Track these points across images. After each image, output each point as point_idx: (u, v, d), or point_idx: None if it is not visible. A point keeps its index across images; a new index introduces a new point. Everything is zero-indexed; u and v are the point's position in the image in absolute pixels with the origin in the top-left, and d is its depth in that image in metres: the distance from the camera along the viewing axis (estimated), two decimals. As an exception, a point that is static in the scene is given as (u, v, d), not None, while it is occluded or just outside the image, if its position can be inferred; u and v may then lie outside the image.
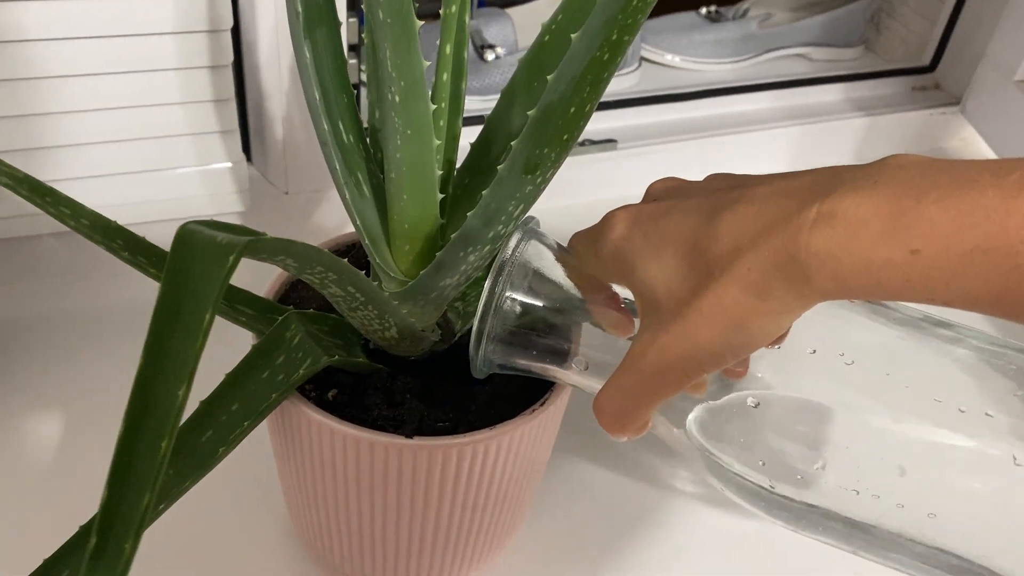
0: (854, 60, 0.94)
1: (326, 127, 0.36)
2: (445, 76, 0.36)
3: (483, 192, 0.34)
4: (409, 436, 0.36)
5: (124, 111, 0.56)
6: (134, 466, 0.22)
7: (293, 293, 0.44)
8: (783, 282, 0.26)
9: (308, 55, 0.35)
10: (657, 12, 0.81)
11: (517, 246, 0.36)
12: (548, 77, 0.31)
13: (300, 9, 0.35)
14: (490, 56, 0.79)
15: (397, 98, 0.34)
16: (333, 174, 0.38)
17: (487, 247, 0.35)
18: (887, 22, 0.94)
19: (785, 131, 0.84)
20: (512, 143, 0.39)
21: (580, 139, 0.79)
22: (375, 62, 0.39)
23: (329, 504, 0.41)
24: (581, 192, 0.80)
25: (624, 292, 0.36)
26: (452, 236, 0.35)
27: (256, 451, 0.42)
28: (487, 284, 0.35)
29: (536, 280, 0.36)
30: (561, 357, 0.37)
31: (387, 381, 0.40)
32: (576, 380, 0.37)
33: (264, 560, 0.48)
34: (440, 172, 0.37)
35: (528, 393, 0.40)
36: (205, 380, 0.37)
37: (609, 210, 0.33)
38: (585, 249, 0.35)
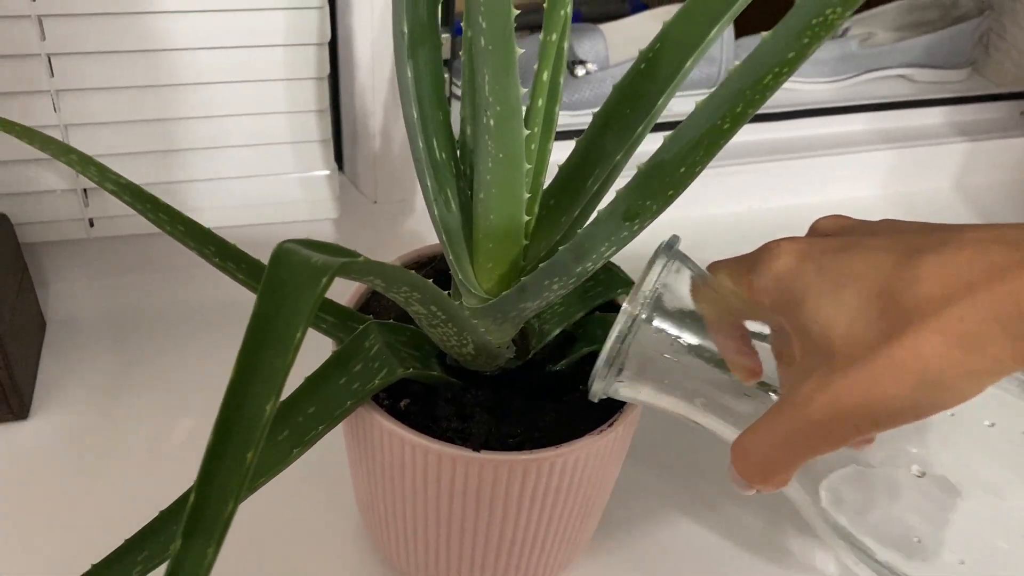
0: (960, 82, 0.91)
1: (421, 145, 0.37)
2: (540, 102, 0.37)
3: (579, 230, 0.34)
4: (476, 450, 0.37)
5: (236, 118, 0.59)
6: (220, 474, 0.23)
7: (373, 302, 0.46)
8: (1001, 337, 0.23)
9: (410, 74, 0.36)
10: (753, 29, 0.80)
11: (663, 270, 0.34)
12: (652, 106, 0.31)
13: (406, 30, 0.36)
14: (580, 72, 0.79)
15: (492, 122, 0.34)
16: (424, 190, 0.39)
17: (572, 280, 0.35)
18: (997, 43, 0.91)
19: (881, 154, 0.82)
20: (600, 171, 0.40)
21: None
22: (471, 83, 0.40)
23: (397, 510, 0.42)
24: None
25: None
26: (540, 264, 0.35)
27: (332, 453, 0.44)
28: (625, 306, 0.34)
29: (675, 308, 0.35)
30: (685, 393, 0.36)
31: (459, 394, 0.40)
32: (698, 418, 0.36)
33: (334, 558, 0.49)
34: (528, 195, 0.37)
35: (598, 413, 0.40)
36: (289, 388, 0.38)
37: (769, 241, 0.31)
38: (736, 279, 0.33)
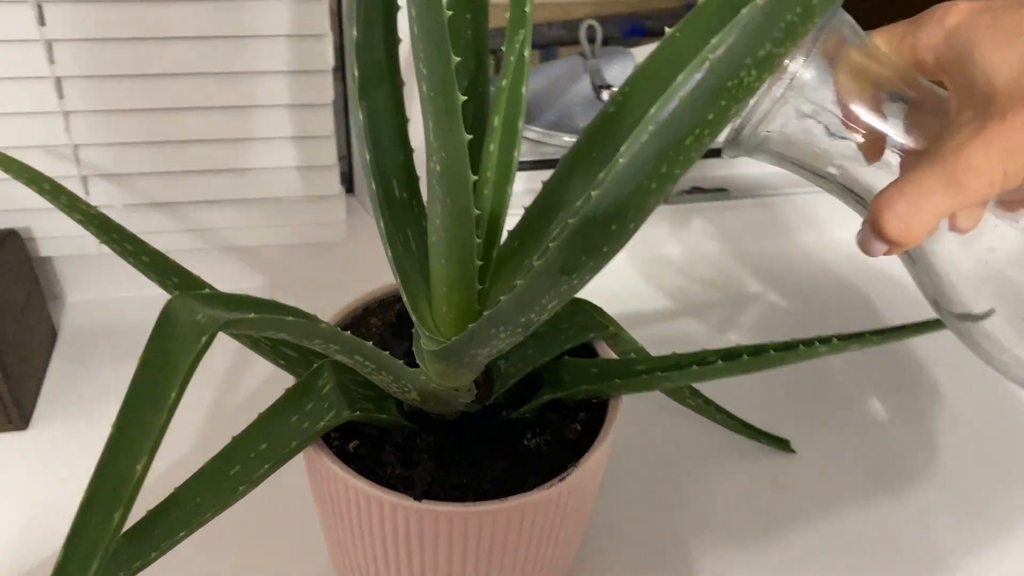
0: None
1: (373, 187, 0.37)
2: (492, 147, 0.36)
3: (518, 281, 0.33)
4: (418, 498, 0.36)
5: (245, 142, 0.60)
6: (86, 533, 0.23)
7: (351, 331, 0.45)
8: None
9: (361, 117, 0.36)
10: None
11: (829, 21, 0.33)
12: (620, 152, 0.30)
13: (356, 73, 0.35)
14: (607, 96, 0.78)
15: (438, 167, 0.34)
16: (379, 229, 0.38)
17: (519, 328, 0.34)
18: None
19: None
20: (563, 215, 0.39)
21: (688, 187, 0.77)
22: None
23: (350, 549, 0.41)
24: (690, 242, 0.78)
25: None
26: (485, 313, 0.34)
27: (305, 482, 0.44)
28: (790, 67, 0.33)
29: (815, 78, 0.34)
30: (817, 159, 0.35)
31: (408, 439, 0.40)
32: (827, 186, 0.36)
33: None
34: (479, 240, 0.36)
35: (554, 462, 0.39)
36: (247, 413, 0.38)
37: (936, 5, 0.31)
38: (898, 40, 0.32)
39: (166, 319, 0.25)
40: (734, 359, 0.39)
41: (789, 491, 0.56)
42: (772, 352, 0.39)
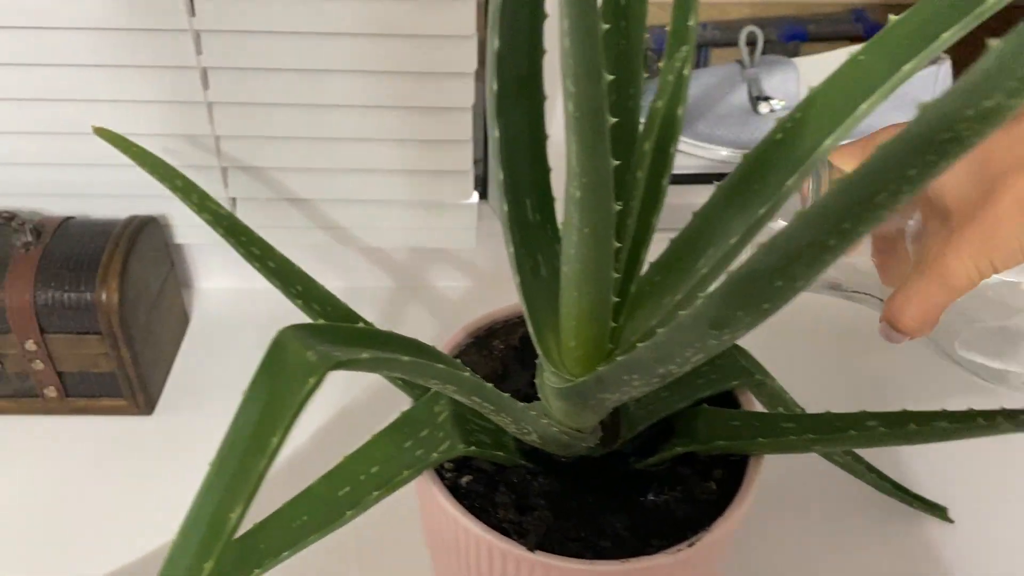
0: None
1: (505, 208, 0.34)
2: (640, 174, 0.32)
3: (660, 329, 0.29)
4: (531, 549, 0.33)
5: (380, 143, 0.58)
6: (174, 581, 0.22)
7: (464, 356, 0.43)
8: None
9: (496, 134, 0.33)
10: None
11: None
12: (784, 190, 0.26)
13: (495, 86, 0.32)
14: (764, 109, 0.72)
15: (578, 193, 0.31)
16: (508, 253, 0.36)
17: (655, 379, 0.31)
18: None
19: None
20: (713, 251, 0.35)
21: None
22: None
23: (456, 585, 0.39)
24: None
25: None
26: (618, 357, 0.31)
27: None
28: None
29: None
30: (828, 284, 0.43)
31: (524, 480, 0.37)
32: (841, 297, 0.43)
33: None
34: (618, 275, 0.33)
35: (682, 523, 0.35)
36: (361, 430, 0.37)
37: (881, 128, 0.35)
38: (860, 158, 0.35)
39: (276, 353, 0.23)
40: (898, 427, 0.34)
41: (944, 566, 0.50)
42: (944, 423, 0.34)
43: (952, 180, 0.33)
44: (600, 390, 0.33)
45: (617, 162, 0.31)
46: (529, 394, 0.42)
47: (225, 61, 0.54)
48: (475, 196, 0.62)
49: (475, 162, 0.62)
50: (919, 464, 0.56)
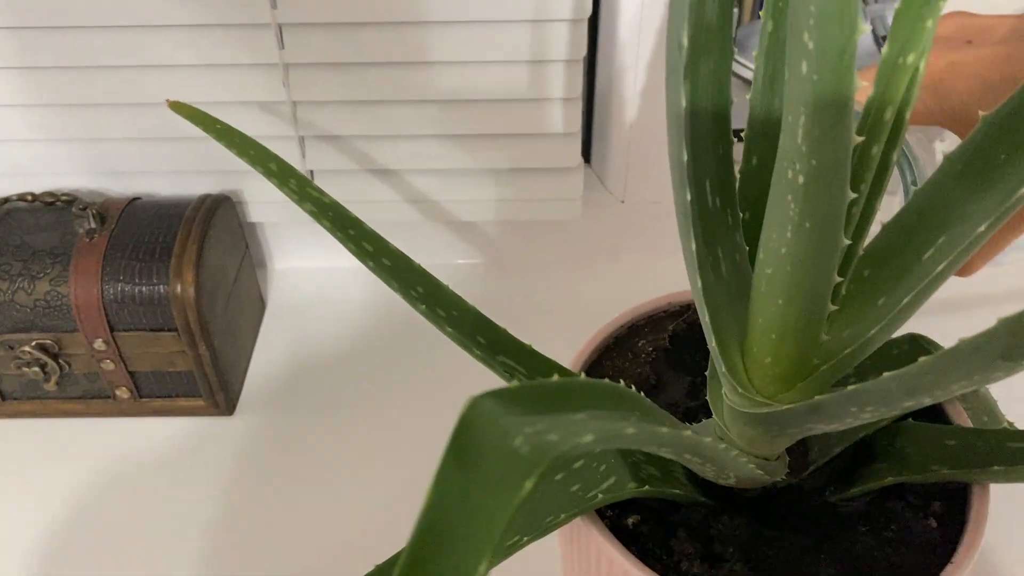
0: None
1: (688, 196, 0.27)
2: (875, 148, 0.25)
3: (921, 359, 0.22)
4: (726, 613, 0.27)
5: (473, 104, 0.51)
6: None
7: (607, 360, 0.37)
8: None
9: (684, 101, 0.26)
10: None
11: None
12: None
13: (686, 41, 0.25)
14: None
15: (800, 179, 0.24)
16: (686, 251, 0.29)
17: (895, 412, 0.24)
18: None
19: None
20: (947, 240, 0.28)
21: None
22: (767, 109, 0.30)
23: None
24: None
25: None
26: (851, 387, 0.24)
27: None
28: None
29: None
30: None
31: (705, 521, 0.31)
32: None
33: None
34: (839, 279, 0.26)
35: (900, 573, 0.29)
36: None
37: None
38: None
39: (465, 439, 0.16)
40: None
41: None
42: None
43: (971, 90, 0.33)
44: (812, 420, 0.27)
45: (860, 138, 0.24)
46: (690, 408, 0.36)
47: (301, 16, 0.47)
48: (580, 160, 0.55)
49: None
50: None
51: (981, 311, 0.60)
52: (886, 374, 0.23)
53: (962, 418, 0.34)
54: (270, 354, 0.55)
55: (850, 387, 0.24)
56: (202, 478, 0.48)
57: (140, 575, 0.43)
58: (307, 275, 0.61)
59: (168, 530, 0.45)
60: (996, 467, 0.30)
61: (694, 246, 0.28)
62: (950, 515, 0.31)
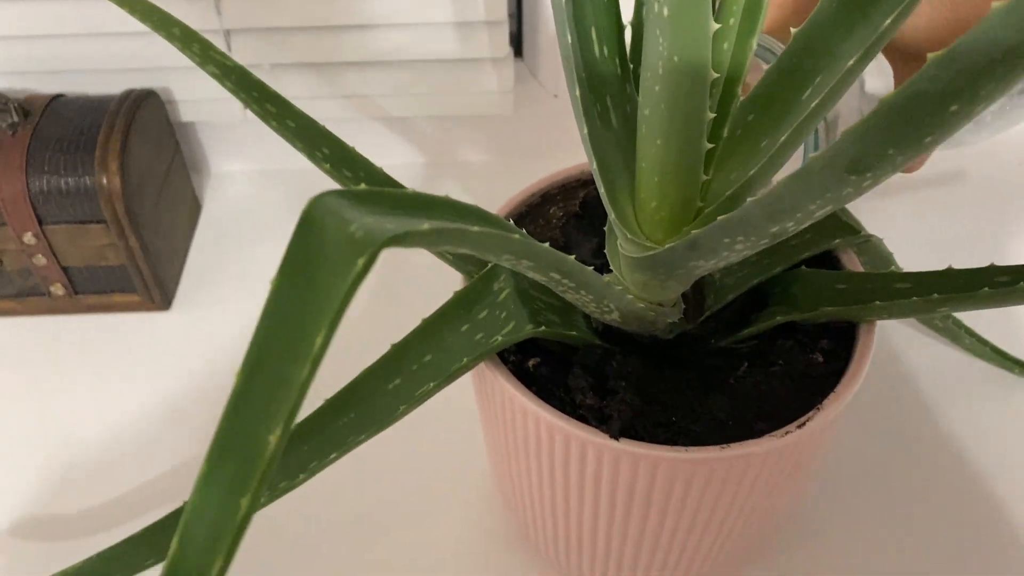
0: None
1: (569, 39, 0.28)
2: (741, -20, 0.26)
3: (779, 180, 0.24)
4: (615, 436, 0.29)
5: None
6: (204, 519, 0.17)
7: (526, 222, 0.38)
8: None
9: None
10: None
11: None
12: (929, 55, 0.20)
13: None
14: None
15: (665, 11, 0.24)
16: (572, 99, 0.29)
17: (764, 240, 0.25)
18: None
19: None
20: (823, 78, 0.29)
21: None
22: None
23: (521, 477, 0.35)
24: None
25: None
26: (720, 217, 0.25)
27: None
28: None
29: None
30: None
31: (602, 361, 0.32)
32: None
33: (464, 517, 0.43)
34: (714, 115, 0.27)
35: (786, 404, 0.31)
36: (407, 320, 0.32)
37: None
38: None
39: (308, 230, 0.17)
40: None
41: (1048, 432, 0.46)
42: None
43: (924, 24, 0.32)
44: (692, 257, 0.28)
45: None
46: (596, 266, 0.37)
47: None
48: (509, 50, 0.55)
49: (508, 16, 0.54)
50: (1017, 328, 0.51)
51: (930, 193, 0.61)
52: (749, 199, 0.24)
53: (855, 266, 0.35)
54: (207, 255, 0.56)
55: (721, 217, 0.25)
56: (140, 373, 0.48)
57: (79, 473, 0.44)
58: (245, 178, 0.61)
59: (107, 424, 0.46)
60: (878, 302, 0.31)
61: (578, 91, 0.29)
62: (837, 352, 0.33)
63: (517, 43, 0.60)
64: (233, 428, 0.17)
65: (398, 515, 0.43)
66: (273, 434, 0.17)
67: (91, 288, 0.50)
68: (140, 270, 0.49)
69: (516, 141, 0.60)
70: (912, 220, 0.58)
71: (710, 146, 0.28)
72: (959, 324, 0.45)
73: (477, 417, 0.38)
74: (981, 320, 0.49)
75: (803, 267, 0.34)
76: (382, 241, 0.17)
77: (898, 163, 0.22)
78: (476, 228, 0.19)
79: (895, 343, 0.50)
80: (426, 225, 0.18)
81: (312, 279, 0.17)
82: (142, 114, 0.49)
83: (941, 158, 0.62)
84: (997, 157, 0.64)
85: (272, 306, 0.17)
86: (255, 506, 0.17)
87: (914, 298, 0.31)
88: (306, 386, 0.17)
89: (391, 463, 0.45)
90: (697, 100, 0.26)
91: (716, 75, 0.26)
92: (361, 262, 0.16)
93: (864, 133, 0.21)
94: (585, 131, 0.29)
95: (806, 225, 0.25)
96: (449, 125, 0.60)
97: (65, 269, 0.49)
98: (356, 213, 0.18)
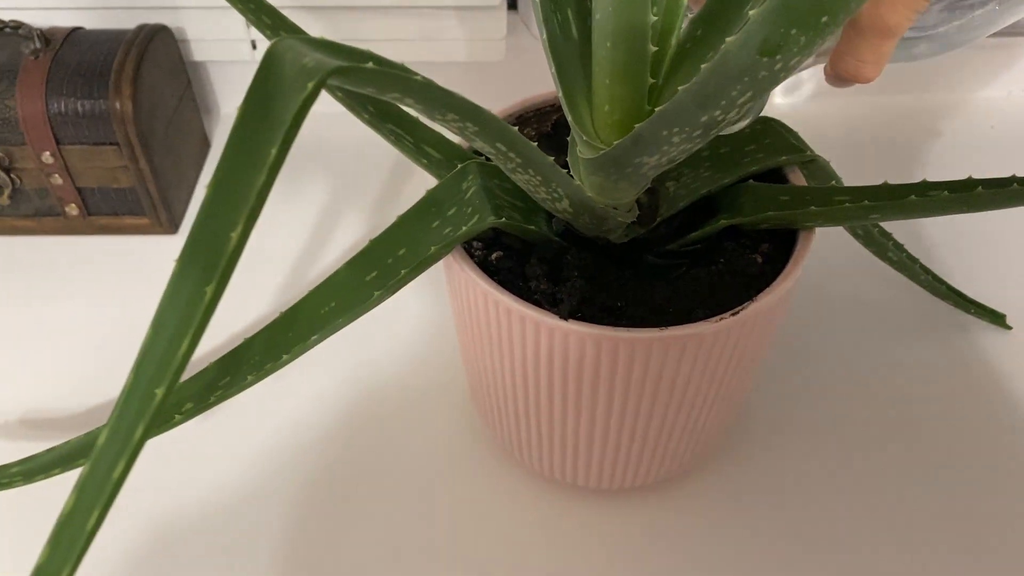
0: None
1: (530, -50, 0.31)
2: None
3: (703, 65, 0.26)
4: (564, 317, 0.32)
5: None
6: (174, 307, 0.20)
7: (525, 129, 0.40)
8: None
9: None
10: None
11: None
12: None
13: None
14: None
15: (609, -82, 0.27)
16: (533, 5, 0.32)
17: (697, 131, 0.28)
18: None
19: None
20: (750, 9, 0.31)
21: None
22: None
23: (491, 369, 0.38)
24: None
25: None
26: (657, 109, 0.28)
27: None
28: None
29: None
30: None
31: (557, 254, 0.35)
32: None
33: (443, 423, 0.47)
34: (655, 18, 0.30)
35: (729, 294, 0.33)
36: (387, 219, 0.35)
37: None
38: None
39: (269, 64, 0.20)
40: (966, 191, 0.31)
41: (1001, 374, 0.48)
42: (1017, 186, 0.31)
43: None
44: (637, 152, 0.31)
45: None
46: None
47: None
48: (502, 1, 0.58)
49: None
50: (977, 271, 0.53)
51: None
52: (680, 88, 0.27)
53: (802, 183, 0.38)
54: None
55: (657, 109, 0.28)
56: (145, 292, 0.52)
57: (91, 385, 0.48)
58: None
59: (114, 341, 0.50)
60: (815, 208, 0.34)
61: (537, 1, 0.32)
62: (777, 257, 0.35)
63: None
64: (202, 231, 0.20)
65: (380, 430, 0.46)
66: (235, 231, 0.20)
67: (103, 210, 0.54)
68: (149, 192, 0.52)
69: (507, 90, 0.63)
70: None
71: (655, 49, 0.30)
72: (913, 259, 0.47)
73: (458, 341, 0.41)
74: (939, 263, 0.51)
75: (751, 181, 0.37)
76: (330, 69, 0.20)
77: (803, 44, 0.25)
78: (419, 78, 0.22)
79: (858, 283, 0.53)
80: (370, 64, 0.21)
81: (270, 101, 0.20)
82: (155, 46, 0.52)
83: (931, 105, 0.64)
84: (969, 118, 0.66)
85: (238, 126, 0.20)
86: (219, 294, 0.20)
87: (847, 204, 0.33)
88: (264, 192, 0.20)
89: (377, 382, 0.48)
90: (639, 4, 0.29)
91: (657, -19, 0.29)
92: (311, 85, 0.20)
93: (768, 13, 0.24)
94: (544, 37, 0.32)
95: (733, 117, 0.28)
96: (443, 71, 0.63)
97: (79, 190, 0.52)
98: (313, 52, 0.21)
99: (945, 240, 0.55)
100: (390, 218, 0.35)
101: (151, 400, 0.20)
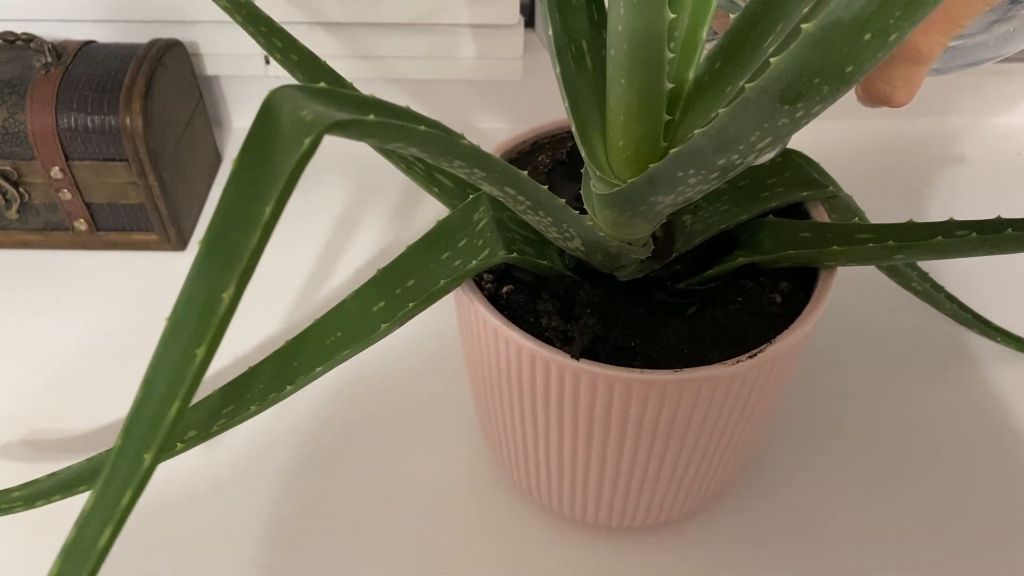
0: None
1: (545, -19, 0.30)
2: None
3: (721, 110, 0.25)
4: (575, 356, 0.31)
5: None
6: (164, 368, 0.19)
7: (518, 165, 0.40)
8: None
9: None
10: None
11: None
12: None
13: None
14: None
15: (625, -47, 0.26)
16: (547, 39, 0.31)
17: (714, 174, 0.27)
18: None
19: None
20: (785, 26, 0.30)
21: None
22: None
23: (497, 406, 0.37)
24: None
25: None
26: (672, 151, 0.27)
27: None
28: None
29: None
30: None
31: (569, 290, 0.34)
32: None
33: (451, 452, 0.46)
34: (672, 55, 0.29)
35: (747, 337, 0.32)
36: (395, 249, 0.34)
37: None
38: None
39: (266, 115, 0.20)
40: (994, 233, 0.30)
41: None
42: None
43: None
44: (652, 191, 0.30)
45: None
46: (578, 210, 0.39)
47: None
48: (520, 18, 0.57)
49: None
50: (1003, 295, 0.52)
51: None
52: (696, 131, 0.26)
53: (823, 219, 0.37)
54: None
55: (673, 151, 0.27)
56: (153, 309, 0.51)
57: (96, 404, 0.47)
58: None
59: (120, 359, 0.49)
60: (836, 248, 0.33)
61: (551, 31, 0.31)
62: (796, 296, 0.34)
63: (529, 14, 0.62)
64: (194, 289, 0.19)
65: (387, 451, 0.45)
66: (227, 292, 0.19)
67: (112, 225, 0.53)
68: (158, 209, 0.52)
69: (524, 109, 0.62)
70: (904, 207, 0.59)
71: (671, 86, 0.29)
72: (938, 288, 0.46)
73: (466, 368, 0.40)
74: (969, 292, 0.50)
75: (770, 217, 0.36)
76: (328, 124, 0.19)
77: (826, 93, 0.24)
78: (422, 128, 0.21)
79: (880, 314, 0.51)
80: (372, 116, 0.20)
81: (266, 157, 0.19)
82: (167, 61, 0.52)
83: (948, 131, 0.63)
84: (994, 144, 0.65)
85: (232, 182, 0.19)
86: (210, 356, 0.19)
87: (871, 244, 0.32)
88: (258, 251, 0.19)
89: (383, 405, 0.47)
90: (655, 38, 0.28)
91: (673, 16, 0.28)
92: (308, 141, 0.19)
93: (790, 64, 0.23)
94: (558, 70, 0.31)
95: (751, 161, 0.27)
96: (459, 90, 0.62)
97: (88, 205, 0.52)
98: (311, 103, 0.20)
99: (969, 265, 0.54)
100: (403, 232, 0.34)
101: (139, 465, 0.20)
